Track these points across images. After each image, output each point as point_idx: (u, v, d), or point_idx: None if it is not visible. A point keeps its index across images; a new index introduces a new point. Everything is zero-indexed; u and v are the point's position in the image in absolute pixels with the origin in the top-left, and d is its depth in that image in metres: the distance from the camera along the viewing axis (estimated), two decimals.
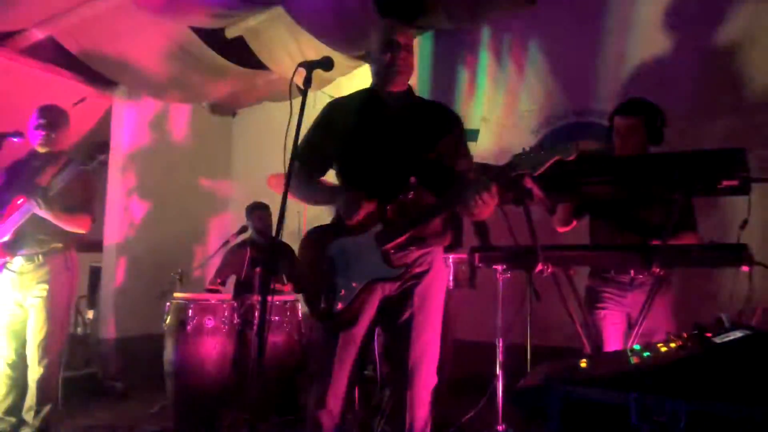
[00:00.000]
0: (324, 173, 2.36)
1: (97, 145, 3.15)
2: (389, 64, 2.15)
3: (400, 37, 2.16)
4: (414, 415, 2.08)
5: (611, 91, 4.29)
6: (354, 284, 2.10)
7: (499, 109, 4.89)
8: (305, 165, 2.24)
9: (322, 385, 2.11)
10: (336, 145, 2.24)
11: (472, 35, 5.03)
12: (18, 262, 3.18)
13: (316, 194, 2.32)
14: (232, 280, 4.67)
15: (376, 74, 2.23)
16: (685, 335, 1.64)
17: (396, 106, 2.22)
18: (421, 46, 5.22)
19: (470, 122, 4.95)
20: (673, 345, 1.62)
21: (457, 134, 2.23)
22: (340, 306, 2.11)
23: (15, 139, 3.20)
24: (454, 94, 5.09)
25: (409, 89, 2.28)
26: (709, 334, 1.57)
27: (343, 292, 2.11)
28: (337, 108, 2.29)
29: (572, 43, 4.52)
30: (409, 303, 2.12)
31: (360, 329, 2.13)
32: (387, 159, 2.14)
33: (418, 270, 2.14)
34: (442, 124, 2.20)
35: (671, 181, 2.14)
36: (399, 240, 2.07)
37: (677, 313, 2.59)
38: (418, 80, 5.18)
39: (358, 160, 2.19)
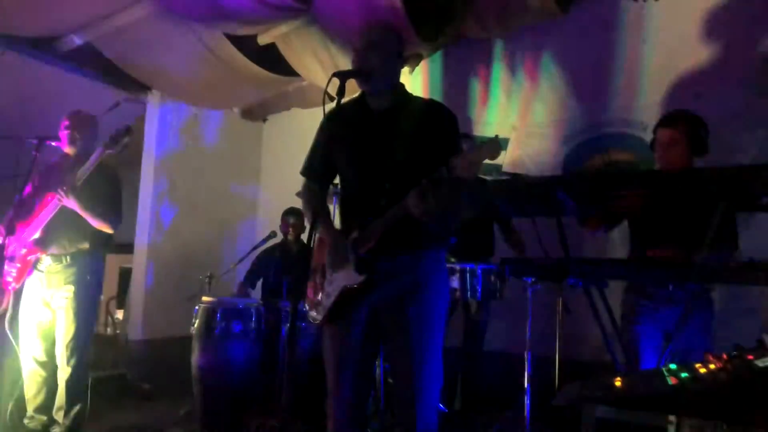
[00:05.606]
0: (331, 182, 2.39)
1: (121, 129, 3.16)
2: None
3: (358, 41, 2.16)
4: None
5: (648, 102, 4.20)
6: (331, 290, 2.10)
7: (530, 118, 4.84)
8: (310, 180, 2.31)
9: (329, 397, 2.12)
10: (334, 156, 2.22)
11: (507, 42, 4.98)
12: (46, 261, 3.24)
13: (314, 222, 2.29)
14: (260, 285, 4.70)
15: None
16: (725, 357, 1.58)
17: (379, 110, 2.15)
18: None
19: (500, 130, 4.90)
20: (712, 366, 1.56)
21: (446, 130, 2.12)
22: (317, 311, 2.15)
23: (53, 144, 3.28)
24: (487, 101, 5.06)
25: (396, 89, 2.17)
26: (750, 357, 1.51)
27: (324, 297, 2.13)
28: (331, 119, 2.18)
29: (609, 53, 4.44)
30: (399, 315, 2.06)
31: (352, 338, 2.09)
32: (368, 167, 2.12)
33: (404, 276, 2.06)
34: (427, 123, 2.10)
35: (710, 197, 2.07)
36: (368, 246, 2.03)
37: (716, 330, 2.52)
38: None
39: (348, 170, 2.20)
